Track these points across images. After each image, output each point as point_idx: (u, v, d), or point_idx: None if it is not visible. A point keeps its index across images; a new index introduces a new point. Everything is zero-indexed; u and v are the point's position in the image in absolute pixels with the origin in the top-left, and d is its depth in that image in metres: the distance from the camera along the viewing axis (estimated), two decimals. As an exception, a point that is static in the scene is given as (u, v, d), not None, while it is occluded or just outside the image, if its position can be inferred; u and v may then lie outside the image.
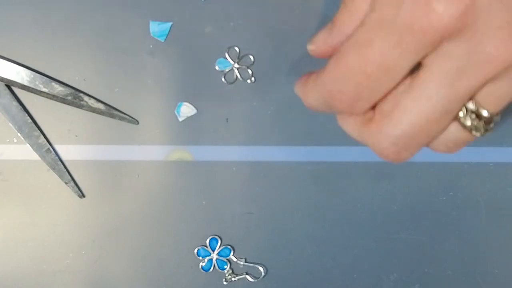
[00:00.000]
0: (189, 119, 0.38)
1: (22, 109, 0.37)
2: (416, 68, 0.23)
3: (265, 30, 0.38)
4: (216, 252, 0.38)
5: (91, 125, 0.38)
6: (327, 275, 0.39)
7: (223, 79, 0.38)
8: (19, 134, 0.37)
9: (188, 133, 0.38)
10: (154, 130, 0.38)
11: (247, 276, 0.38)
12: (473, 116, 0.23)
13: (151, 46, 0.38)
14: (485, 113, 0.23)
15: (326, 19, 0.38)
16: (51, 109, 0.38)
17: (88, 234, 0.38)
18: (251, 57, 0.38)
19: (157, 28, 0.37)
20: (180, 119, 0.38)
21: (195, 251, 0.38)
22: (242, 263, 0.38)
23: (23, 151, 0.38)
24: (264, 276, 0.38)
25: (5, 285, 0.38)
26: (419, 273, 0.39)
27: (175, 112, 0.38)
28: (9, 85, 0.37)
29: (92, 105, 0.37)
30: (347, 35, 0.24)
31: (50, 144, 0.37)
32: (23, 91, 0.37)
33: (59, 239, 0.38)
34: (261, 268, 0.38)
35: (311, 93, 0.26)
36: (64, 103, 0.37)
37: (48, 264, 0.38)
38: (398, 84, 0.23)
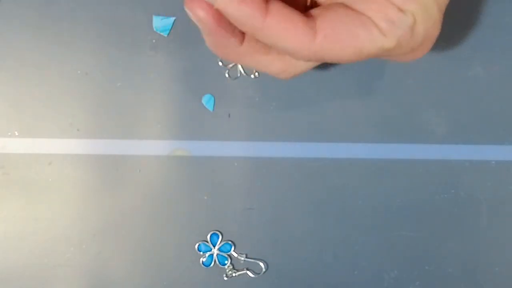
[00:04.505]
0: (191, 114, 0.38)
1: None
2: None
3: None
4: (217, 247, 0.38)
5: (93, 119, 0.38)
6: (328, 272, 0.39)
7: (226, 75, 0.38)
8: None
9: (190, 128, 0.38)
10: (156, 125, 0.38)
11: (248, 272, 0.38)
12: None
13: (153, 41, 0.38)
14: None
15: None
16: (53, 102, 0.37)
17: (89, 229, 0.38)
18: (254, 52, 0.38)
19: (160, 23, 0.37)
20: (185, 113, 0.38)
21: (196, 246, 0.38)
22: (242, 258, 0.38)
23: (25, 145, 0.38)
24: (264, 272, 0.38)
25: (6, 279, 0.38)
26: (419, 270, 0.39)
27: (181, 106, 0.38)
28: None
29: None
30: None
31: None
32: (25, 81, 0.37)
33: (60, 233, 0.38)
34: (261, 264, 0.38)
35: None
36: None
37: (48, 258, 0.38)
38: None
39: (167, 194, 0.38)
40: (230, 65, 0.38)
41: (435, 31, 0.27)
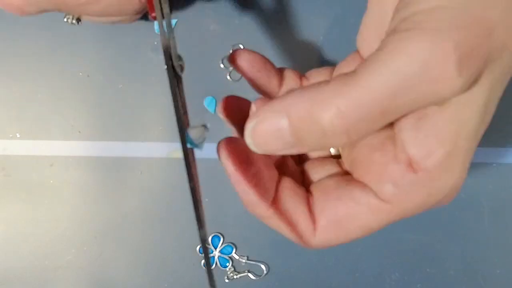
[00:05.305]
0: (193, 116, 0.38)
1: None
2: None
3: (270, 28, 0.38)
4: (218, 249, 0.38)
5: (95, 121, 0.38)
6: (329, 274, 0.39)
7: (228, 77, 0.38)
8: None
9: (192, 130, 0.38)
10: (157, 127, 0.38)
11: (249, 274, 0.38)
12: None
13: (155, 43, 0.38)
14: None
15: (332, 17, 0.38)
16: (54, 104, 0.37)
17: (90, 230, 0.38)
18: (256, 55, 0.38)
19: (161, 25, 0.37)
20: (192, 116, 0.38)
21: (197, 248, 0.38)
22: (244, 261, 0.38)
23: (26, 147, 0.38)
24: (266, 274, 0.38)
25: (7, 280, 0.38)
26: (421, 272, 0.39)
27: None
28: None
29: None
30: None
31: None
32: (28, 83, 0.37)
33: (61, 235, 0.38)
34: (263, 266, 0.38)
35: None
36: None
37: (50, 260, 0.38)
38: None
39: (168, 196, 0.38)
40: (232, 68, 0.38)
41: (459, 180, 0.21)
